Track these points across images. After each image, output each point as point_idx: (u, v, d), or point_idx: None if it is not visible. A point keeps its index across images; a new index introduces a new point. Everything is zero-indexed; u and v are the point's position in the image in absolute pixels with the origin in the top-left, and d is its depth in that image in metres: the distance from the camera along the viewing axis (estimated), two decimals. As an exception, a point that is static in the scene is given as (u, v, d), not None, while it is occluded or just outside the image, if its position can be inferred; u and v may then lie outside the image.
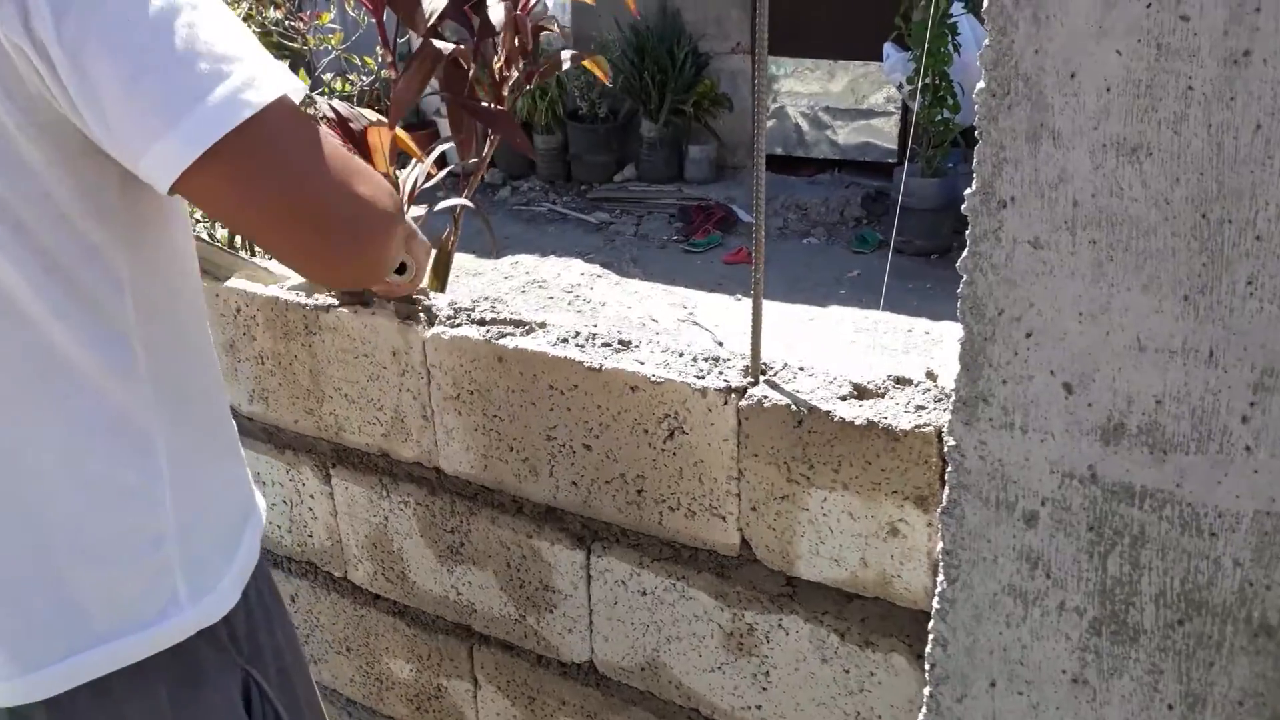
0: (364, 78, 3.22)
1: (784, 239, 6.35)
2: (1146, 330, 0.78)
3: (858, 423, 1.12)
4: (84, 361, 0.85)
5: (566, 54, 2.98)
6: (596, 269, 5.36)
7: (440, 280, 2.87)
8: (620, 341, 1.34)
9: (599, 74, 2.87)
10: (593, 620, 1.46)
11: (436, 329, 1.41)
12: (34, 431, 0.86)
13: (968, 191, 0.82)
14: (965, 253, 0.84)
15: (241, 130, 0.73)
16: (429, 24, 2.40)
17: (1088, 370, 0.82)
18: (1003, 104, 0.78)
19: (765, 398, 1.18)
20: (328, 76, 3.28)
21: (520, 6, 2.73)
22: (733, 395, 1.20)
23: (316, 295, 1.55)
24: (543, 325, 1.40)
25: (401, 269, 1.20)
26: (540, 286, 4.95)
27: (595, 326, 1.39)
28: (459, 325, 1.41)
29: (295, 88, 0.79)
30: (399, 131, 2.70)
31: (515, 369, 1.35)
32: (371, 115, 2.61)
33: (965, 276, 0.85)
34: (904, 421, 1.10)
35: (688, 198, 6.84)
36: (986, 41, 0.77)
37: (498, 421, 1.41)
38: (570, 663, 1.52)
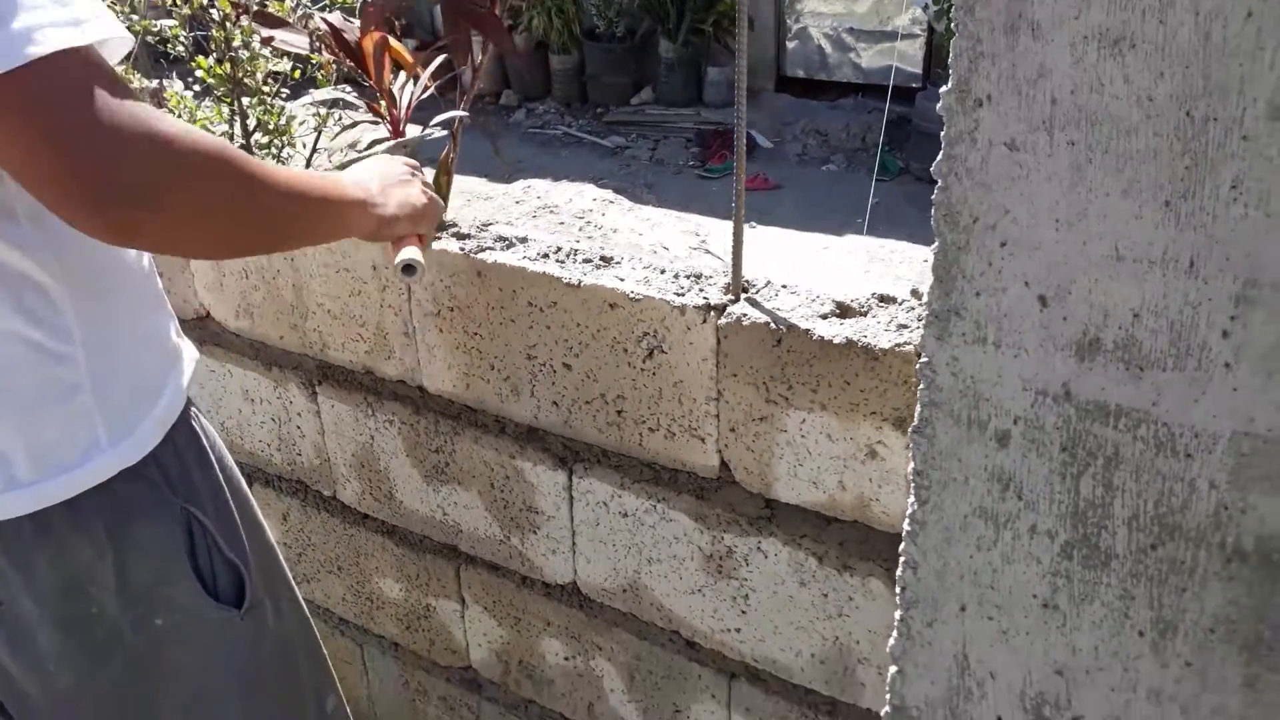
0: (363, -10, 3.14)
1: (803, 165, 6.22)
2: (1125, 238, 0.73)
3: (836, 341, 1.08)
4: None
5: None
6: (609, 194, 5.28)
7: (442, 196, 2.82)
8: (601, 258, 1.30)
9: None
10: (575, 542, 1.44)
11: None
12: None
13: (943, 89, 0.77)
14: (940, 155, 0.79)
15: (17, 74, 0.76)
16: None
17: (1063, 281, 0.77)
18: (980, -7, 0.72)
19: (744, 315, 1.14)
20: (329, -11, 3.20)
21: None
22: (712, 313, 1.16)
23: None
24: (524, 240, 1.36)
25: (409, 270, 1.12)
26: (551, 212, 4.88)
27: (578, 242, 1.35)
28: (439, 239, 1.38)
29: (110, 37, 0.82)
30: (392, 42, 2.63)
31: (494, 285, 1.32)
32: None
33: (940, 181, 0.80)
34: (884, 340, 1.06)
35: (705, 122, 6.70)
36: (963, -74, 0.72)
37: (478, 339, 1.38)
38: (554, 584, 1.51)
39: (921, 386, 0.89)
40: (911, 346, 1.05)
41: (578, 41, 7.08)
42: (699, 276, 1.24)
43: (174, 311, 1.19)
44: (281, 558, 1.31)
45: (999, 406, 0.85)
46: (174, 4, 2.84)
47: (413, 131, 2.59)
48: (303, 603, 1.34)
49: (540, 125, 6.94)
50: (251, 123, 3.02)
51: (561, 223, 4.86)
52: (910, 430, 0.92)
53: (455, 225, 1.42)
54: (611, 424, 1.31)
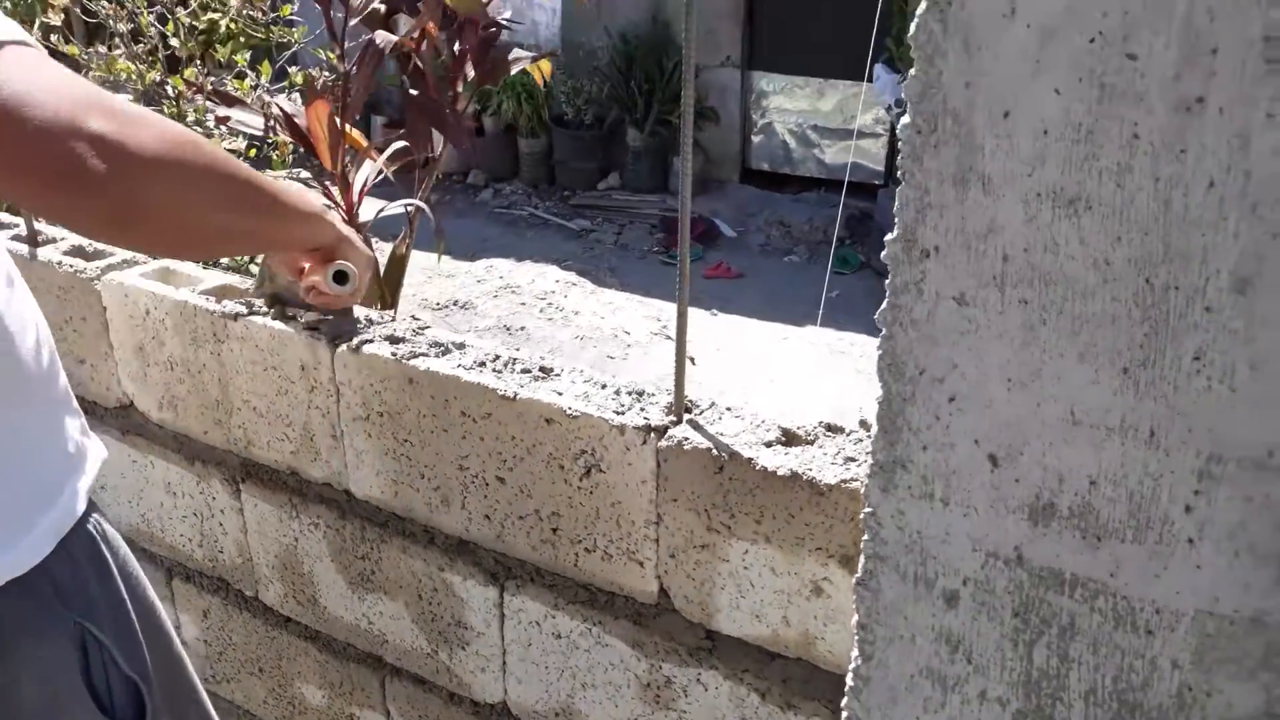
0: (326, 72, 3.13)
1: (766, 256, 6.27)
2: (1081, 403, 0.70)
3: (781, 473, 1.03)
4: None
5: (522, 55, 2.87)
6: (573, 277, 5.27)
7: (392, 288, 2.78)
8: (541, 369, 1.25)
9: (537, 76, 2.77)
10: (506, 661, 1.36)
11: (345, 345, 1.32)
12: None
13: (888, 238, 0.74)
14: (884, 304, 0.76)
15: None
16: (363, 13, 2.32)
17: (1015, 442, 0.73)
18: (929, 142, 0.69)
19: (686, 439, 1.09)
20: (292, 69, 3.18)
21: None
22: (652, 434, 1.11)
23: (227, 301, 1.45)
24: (460, 346, 1.31)
25: (341, 278, 1.11)
26: (513, 292, 4.86)
27: (519, 350, 1.30)
28: (371, 342, 1.32)
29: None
30: (350, 130, 2.60)
31: (427, 392, 1.26)
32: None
33: (884, 330, 0.76)
34: (830, 474, 1.02)
35: (670, 209, 6.75)
36: (913, 71, 0.69)
37: (409, 446, 1.31)
38: (483, 703, 1.43)
39: (866, 538, 0.84)
40: (859, 483, 1.00)
41: (546, 127, 7.15)
42: (640, 394, 1.19)
43: (97, 398, 1.12)
44: (190, 667, 1.23)
45: (947, 565, 0.80)
46: (129, 77, 2.81)
47: (368, 212, 2.55)
48: (211, 714, 1.25)
49: (507, 205, 6.96)
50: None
51: (523, 303, 4.83)
52: (855, 581, 0.86)
53: (388, 323, 1.37)
54: (546, 541, 1.25)
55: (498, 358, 1.27)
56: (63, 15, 2.83)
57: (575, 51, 6.95)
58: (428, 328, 1.38)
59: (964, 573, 0.80)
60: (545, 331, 4.39)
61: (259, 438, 1.49)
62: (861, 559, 0.85)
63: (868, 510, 0.82)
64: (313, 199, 1.09)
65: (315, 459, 1.43)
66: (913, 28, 0.68)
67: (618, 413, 1.15)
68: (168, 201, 0.81)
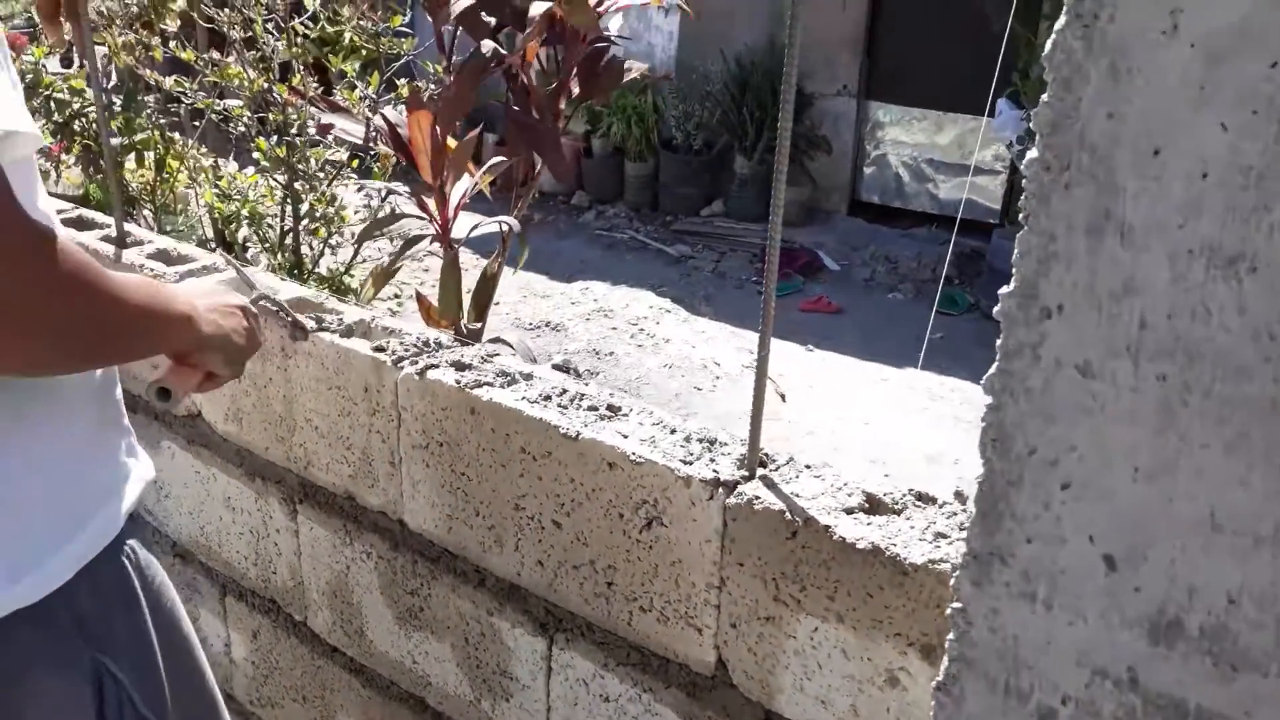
0: (432, 84, 3.12)
1: (869, 291, 6.09)
2: (1225, 505, 0.57)
3: (860, 545, 0.92)
4: None
5: (636, 66, 2.80)
6: (667, 303, 5.19)
7: (480, 307, 2.73)
8: (609, 407, 1.16)
9: (654, 79, 2.68)
10: (550, 718, 1.27)
11: (410, 369, 1.25)
12: None
13: (1003, 291, 0.62)
14: (993, 369, 0.64)
15: None
16: (457, 15, 2.29)
17: (1139, 544, 0.61)
18: (1059, 181, 0.58)
19: (757, 498, 0.99)
20: (401, 81, 3.19)
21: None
22: (720, 490, 1.01)
23: (298, 315, 1.41)
24: (528, 377, 1.23)
25: (163, 395, 1.00)
26: (605, 315, 4.80)
27: (588, 384, 1.22)
28: (436, 367, 1.25)
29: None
30: (449, 141, 2.57)
31: (488, 424, 1.18)
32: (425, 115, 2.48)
33: (990, 399, 0.65)
34: (917, 553, 0.90)
35: (774, 239, 6.62)
36: (1045, 97, 0.58)
37: (465, 480, 1.24)
38: (524, 760, 1.33)
39: (952, 636, 0.72)
40: (948, 565, 0.88)
41: (654, 150, 7.11)
42: (713, 443, 1.09)
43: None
44: (222, 708, 1.16)
45: (1045, 679, 0.68)
46: (240, 84, 2.84)
47: (463, 227, 2.50)
48: None
49: (608, 228, 6.93)
50: (304, 207, 2.99)
51: (614, 328, 4.77)
52: (935, 684, 0.75)
53: (458, 348, 1.29)
54: (600, 595, 1.15)
55: (564, 392, 1.19)
56: (179, 21, 2.89)
57: (689, 75, 6.90)
58: (497, 355, 1.31)
59: (1064, 689, 0.67)
60: (634, 358, 4.31)
61: (318, 458, 1.43)
62: (945, 659, 0.73)
63: (956, 605, 0.71)
64: (189, 296, 1.00)
65: (373, 485, 1.37)
66: (1048, 45, 0.57)
67: (685, 462, 1.05)
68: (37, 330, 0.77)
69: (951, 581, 0.71)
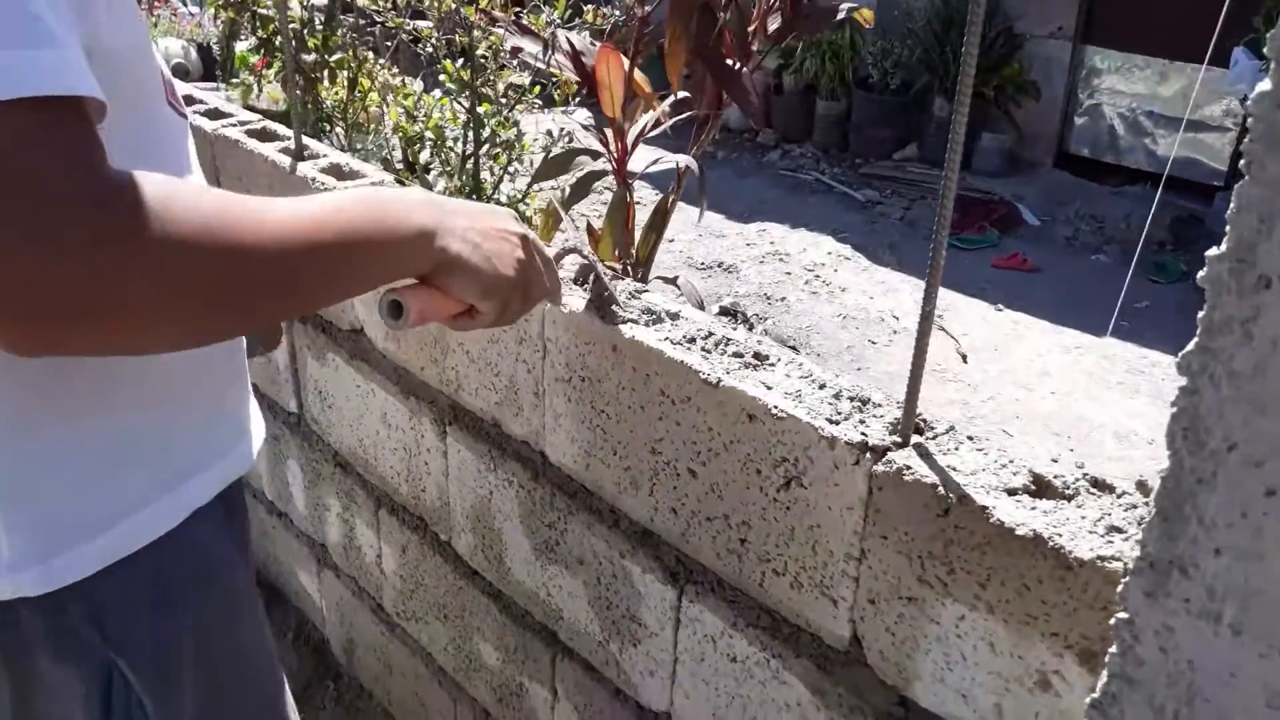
0: (617, 13, 3.06)
1: (1070, 252, 5.68)
2: None
3: (1020, 532, 0.82)
4: None
5: (844, 5, 2.65)
6: (847, 250, 5.00)
7: (652, 243, 2.68)
8: (756, 355, 1.09)
9: (860, 20, 2.54)
10: (676, 670, 1.23)
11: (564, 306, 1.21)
12: None
13: (1212, 252, 0.52)
14: (1192, 344, 0.54)
15: None
16: None
17: (1366, 576, 0.50)
18: (1300, 119, 0.47)
19: (908, 468, 0.90)
20: (588, 7, 3.15)
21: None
22: (867, 455, 0.93)
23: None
24: (674, 316, 1.17)
25: (395, 310, 0.80)
26: (780, 259, 4.67)
27: (736, 328, 1.15)
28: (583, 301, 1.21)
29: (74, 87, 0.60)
30: (637, 74, 2.51)
31: (629, 363, 1.14)
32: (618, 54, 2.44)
33: (1185, 381, 0.54)
34: (1085, 546, 0.79)
35: (970, 188, 6.27)
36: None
37: (605, 418, 1.20)
38: (648, 709, 1.31)
39: (1115, 650, 0.62)
40: (1121, 564, 0.77)
41: (848, 89, 6.84)
42: (865, 402, 1.00)
43: (332, 319, 0.97)
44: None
45: (1223, 714, 0.58)
46: (430, 6, 2.87)
47: (640, 162, 2.45)
48: None
49: (793, 168, 6.74)
50: (485, 132, 3.01)
51: (789, 272, 4.64)
52: (1089, 701, 0.65)
53: (614, 281, 1.25)
54: (732, 552, 1.09)
55: (710, 335, 1.12)
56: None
57: (890, 10, 6.57)
58: (645, 292, 1.25)
59: (1251, 732, 0.57)
60: (806, 305, 4.18)
61: (468, 383, 1.43)
62: (1104, 675, 0.63)
63: (1123, 616, 0.61)
64: (410, 218, 0.79)
65: (517, 414, 1.35)
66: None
67: (831, 420, 0.97)
68: (136, 328, 0.63)
69: (1120, 587, 0.61)
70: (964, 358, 4.06)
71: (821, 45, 6.61)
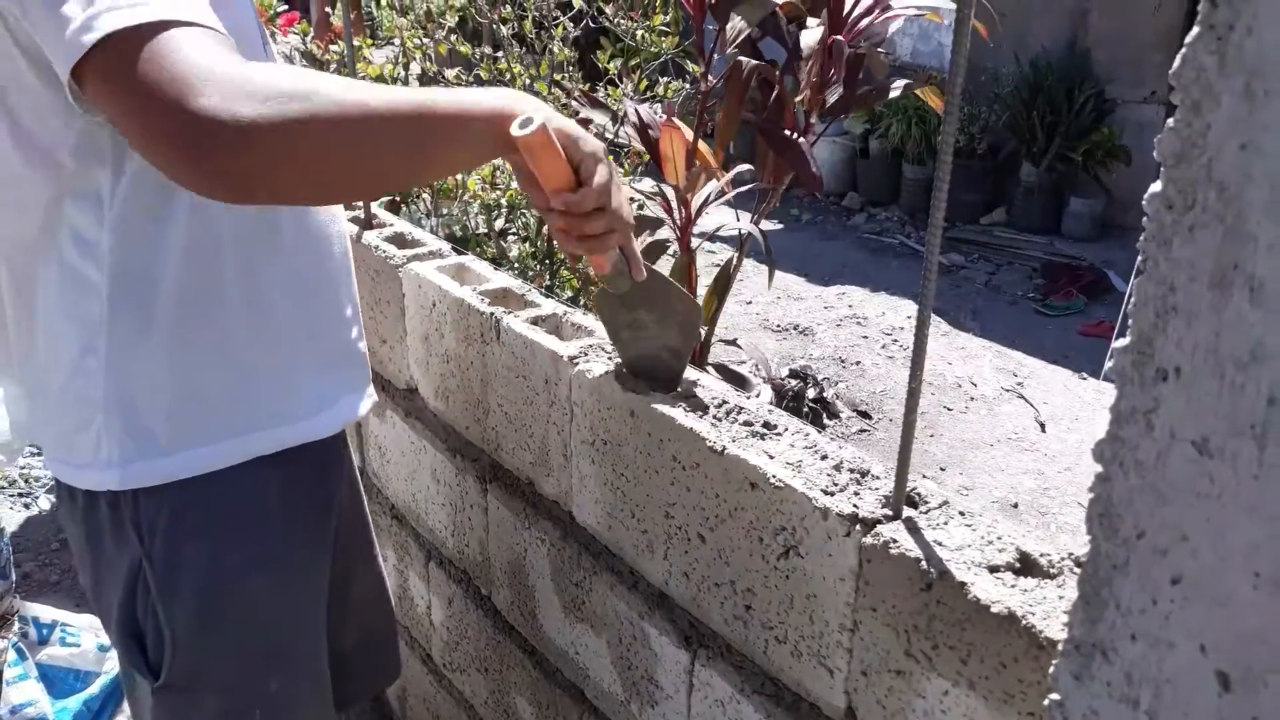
0: (687, 85, 3.15)
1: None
2: (1368, 635, 0.46)
3: (995, 609, 0.83)
4: (64, 240, 1.00)
5: (899, 84, 2.70)
6: (928, 315, 4.94)
7: (709, 308, 2.72)
8: (765, 424, 1.12)
9: (932, 102, 2.57)
10: (689, 733, 1.25)
11: (582, 366, 1.27)
12: (31, 287, 1.04)
13: (1116, 344, 0.54)
14: (1104, 434, 0.56)
15: (100, 49, 0.79)
16: (735, 42, 2.26)
17: (1259, 665, 0.50)
18: (1182, 223, 0.49)
19: (894, 541, 0.92)
20: (663, 80, 3.25)
21: (846, 30, 2.50)
22: (857, 527, 0.95)
23: (497, 306, 1.46)
24: (693, 383, 1.21)
25: (525, 123, 0.90)
26: (859, 323, 4.66)
27: (751, 397, 1.18)
28: (606, 365, 1.26)
29: (175, 14, 0.80)
30: (701, 146, 2.58)
31: (644, 428, 1.18)
32: (681, 124, 2.52)
33: (1100, 468, 0.56)
34: (1057, 626, 0.80)
35: (1058, 253, 6.16)
36: (1171, 122, 0.49)
37: (624, 481, 1.24)
38: (665, 769, 1.32)
39: (1049, 732, 0.63)
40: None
41: (935, 153, 6.80)
42: (865, 474, 1.02)
43: (391, 378, 1.20)
44: (294, 691, 1.22)
45: (1151, 801, 0.58)
46: (511, 78, 2.99)
47: (709, 227, 2.50)
48: None
49: (878, 232, 6.73)
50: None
51: (866, 336, 4.63)
52: (1032, 780, 0.66)
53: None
54: (738, 618, 1.12)
55: (723, 404, 1.16)
56: (458, 18, 3.08)
57: (977, 76, 6.55)
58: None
59: (1176, 819, 0.57)
60: (882, 369, 4.15)
61: (506, 442, 1.49)
62: (1042, 756, 0.64)
63: (1054, 698, 0.62)
64: (495, 98, 0.93)
65: (548, 475, 1.40)
66: (1177, 61, 0.49)
67: (826, 491, 0.99)
68: (269, 166, 0.81)
69: (1051, 669, 0.62)
70: (1042, 427, 3.98)
71: (907, 109, 6.62)
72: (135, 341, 1.02)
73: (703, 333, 2.68)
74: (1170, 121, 0.49)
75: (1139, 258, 0.52)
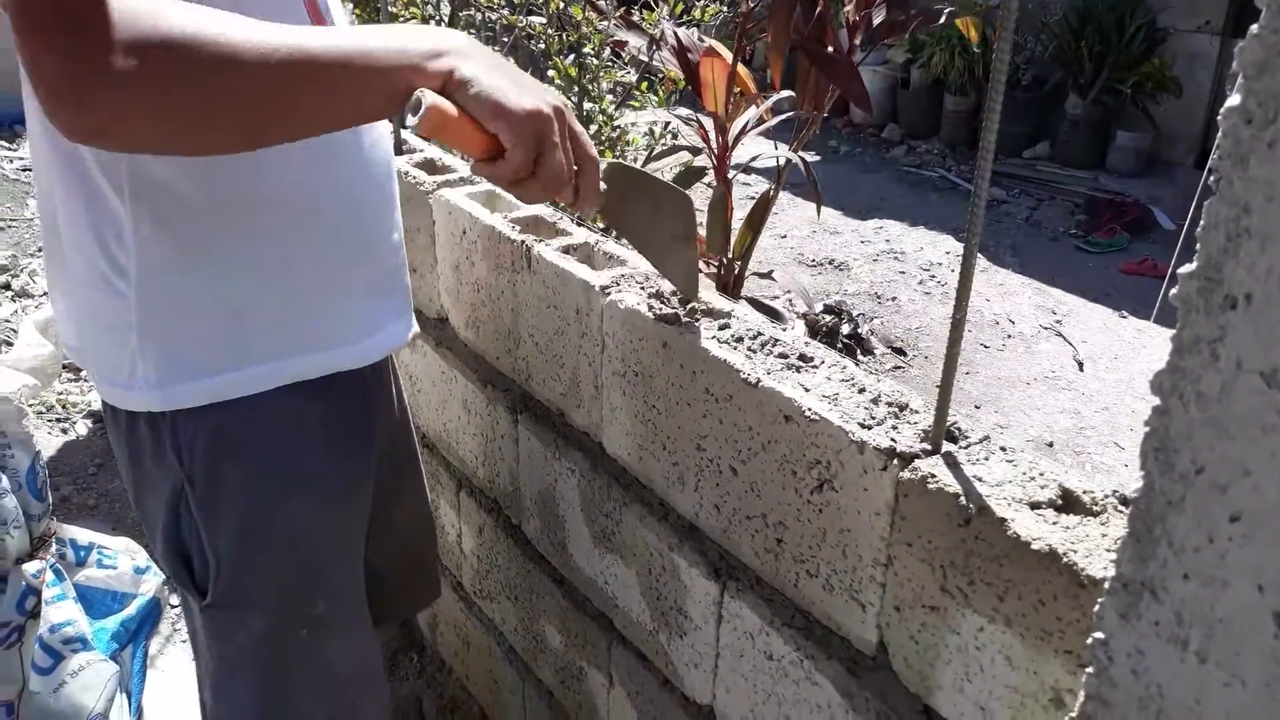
0: (724, 9, 3.06)
1: None
2: None
3: (1035, 546, 0.81)
4: (93, 171, 0.96)
5: (948, 9, 2.61)
6: (966, 250, 4.85)
7: (745, 241, 2.68)
8: (801, 356, 1.09)
9: (969, 33, 2.48)
10: (718, 665, 1.25)
11: (614, 296, 1.24)
12: (66, 206, 1.01)
13: (1183, 270, 0.51)
14: (1164, 365, 0.53)
15: None
16: None
17: (1322, 609, 0.48)
18: (1261, 138, 0.46)
19: (932, 476, 0.89)
20: (699, 3, 3.16)
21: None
22: (894, 461, 0.92)
23: (528, 235, 1.44)
24: (727, 315, 1.18)
25: (415, 107, 0.84)
26: (895, 258, 4.59)
27: (785, 330, 1.15)
28: (638, 296, 1.23)
29: None
30: (740, 70, 2.51)
31: (677, 360, 1.16)
32: (722, 49, 2.45)
33: (1158, 401, 0.53)
34: (1099, 564, 0.78)
35: (1102, 189, 6.02)
36: (1254, 28, 0.45)
37: (655, 413, 1.22)
38: (692, 700, 1.33)
39: (1091, 670, 0.61)
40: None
41: (977, 84, 6.64)
42: (904, 408, 1.00)
43: (421, 307, 1.16)
44: (337, 612, 1.22)
45: (1196, 743, 0.56)
46: (542, 2, 2.93)
47: (745, 156, 2.45)
48: (336, 662, 1.23)
49: (918, 165, 6.59)
50: (593, 129, 3.05)
51: (903, 271, 4.56)
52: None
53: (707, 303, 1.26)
54: (770, 551, 1.10)
55: (758, 335, 1.13)
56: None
57: (1024, 4, 6.35)
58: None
59: (1221, 762, 0.55)
60: (918, 305, 4.09)
61: (537, 373, 1.47)
62: (1081, 695, 0.63)
63: (1099, 636, 0.60)
64: (403, 51, 0.85)
65: (578, 406, 1.39)
66: (1262, -39, 0.45)
67: (863, 425, 0.97)
68: (137, 112, 0.74)
69: (1096, 608, 0.60)
70: (1080, 365, 3.92)
71: (950, 38, 6.44)
72: (165, 262, 1.00)
73: (737, 266, 2.63)
74: (1253, 28, 0.45)
75: (1210, 177, 0.49)
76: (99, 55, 0.70)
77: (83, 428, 3.08)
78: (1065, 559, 0.79)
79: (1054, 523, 0.83)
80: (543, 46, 3.07)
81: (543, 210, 1.55)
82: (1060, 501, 0.86)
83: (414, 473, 1.49)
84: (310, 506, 1.15)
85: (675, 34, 2.59)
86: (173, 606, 2.21)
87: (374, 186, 1.17)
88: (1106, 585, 0.59)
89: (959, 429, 0.96)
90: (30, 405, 2.03)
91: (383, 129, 1.21)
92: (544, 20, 3.07)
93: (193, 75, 0.74)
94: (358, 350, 1.16)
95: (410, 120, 0.84)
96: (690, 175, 2.53)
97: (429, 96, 0.83)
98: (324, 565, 1.20)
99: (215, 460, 1.07)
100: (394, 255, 1.23)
